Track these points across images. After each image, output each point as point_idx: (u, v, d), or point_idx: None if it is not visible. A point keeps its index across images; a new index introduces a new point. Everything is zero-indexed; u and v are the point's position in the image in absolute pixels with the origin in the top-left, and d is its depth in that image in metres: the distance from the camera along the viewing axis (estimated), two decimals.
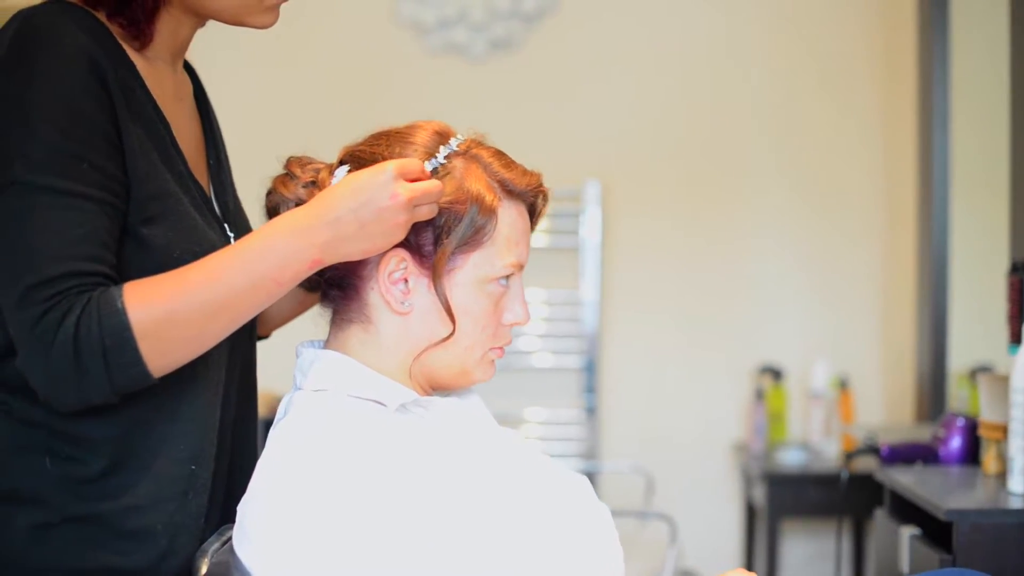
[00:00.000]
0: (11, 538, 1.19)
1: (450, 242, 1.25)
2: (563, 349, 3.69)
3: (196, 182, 1.29)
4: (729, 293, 3.75)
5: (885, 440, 2.40)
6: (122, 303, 1.12)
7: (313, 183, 1.30)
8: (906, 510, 2.26)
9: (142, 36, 1.27)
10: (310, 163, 1.33)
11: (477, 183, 1.27)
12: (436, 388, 1.35)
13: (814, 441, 3.51)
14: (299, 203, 1.29)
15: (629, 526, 3.39)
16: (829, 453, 3.44)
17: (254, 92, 3.68)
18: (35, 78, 1.15)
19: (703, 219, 3.74)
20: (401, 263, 1.26)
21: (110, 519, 1.22)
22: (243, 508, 1.25)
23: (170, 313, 1.13)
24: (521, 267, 1.31)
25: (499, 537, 1.19)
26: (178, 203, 1.24)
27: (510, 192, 1.30)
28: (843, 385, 3.48)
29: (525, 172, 1.32)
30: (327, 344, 1.34)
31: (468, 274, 1.27)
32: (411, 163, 1.21)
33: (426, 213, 1.23)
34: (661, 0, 3.78)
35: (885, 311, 3.72)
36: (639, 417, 3.76)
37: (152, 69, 1.28)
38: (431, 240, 1.26)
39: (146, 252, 1.20)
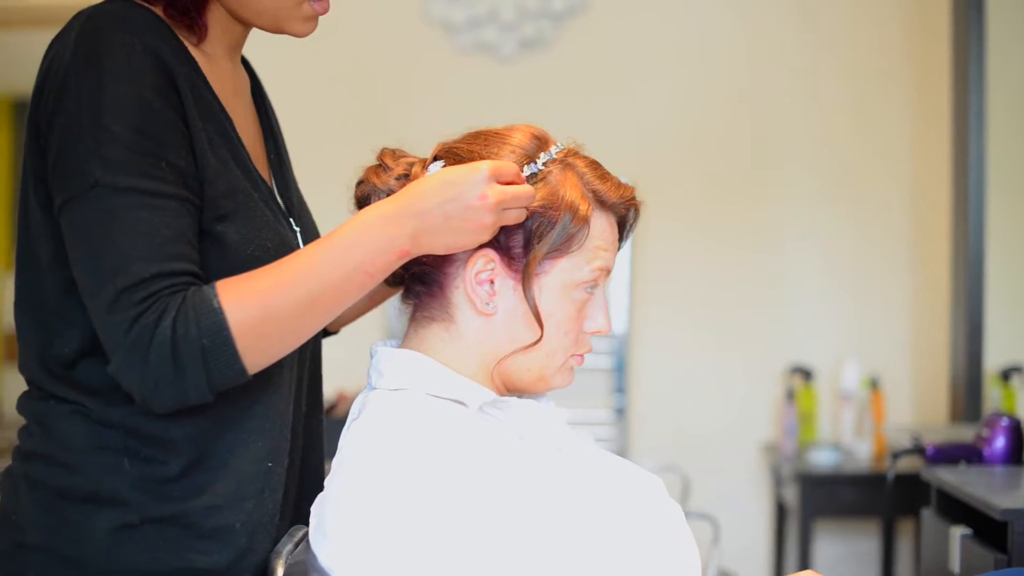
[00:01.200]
0: (92, 539, 1.19)
1: (541, 247, 1.25)
2: (593, 349, 3.67)
3: (261, 177, 1.29)
4: (758, 293, 3.74)
5: (929, 440, 2.39)
6: (218, 302, 1.11)
7: (406, 175, 1.30)
8: (952, 510, 2.25)
9: (197, 29, 1.26)
10: (403, 156, 1.33)
11: (572, 192, 1.27)
12: (512, 391, 1.34)
13: (845, 441, 3.50)
14: (390, 195, 1.28)
15: None
16: (861, 453, 3.43)
17: (283, 89, 3.66)
18: (104, 79, 1.14)
19: (733, 219, 3.74)
20: (489, 264, 1.26)
21: (190, 519, 1.21)
22: (320, 508, 1.25)
23: (266, 310, 1.12)
24: (608, 274, 1.31)
25: (578, 538, 1.19)
26: (248, 199, 1.24)
27: (602, 203, 1.30)
28: (874, 385, 3.47)
29: (619, 185, 1.32)
30: (404, 343, 1.34)
31: (555, 279, 1.27)
32: (506, 166, 1.21)
33: (514, 217, 1.22)
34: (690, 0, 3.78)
35: (915, 311, 3.71)
36: (668, 418, 3.75)
37: (212, 65, 1.28)
38: (521, 243, 1.26)
39: (221, 250, 1.20)
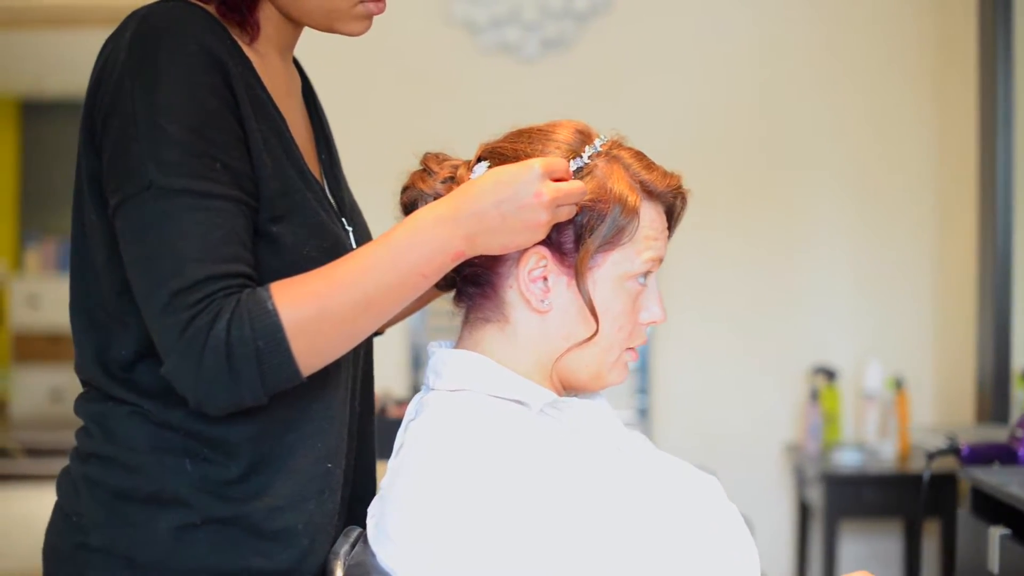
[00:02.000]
0: (155, 539, 1.19)
1: (592, 241, 1.25)
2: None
3: (314, 177, 1.28)
4: (781, 293, 3.74)
5: (965, 440, 2.39)
6: (273, 304, 1.10)
7: (451, 179, 1.29)
8: (989, 510, 2.25)
9: (249, 27, 1.25)
10: (447, 159, 1.32)
11: (620, 183, 1.26)
12: (568, 390, 1.34)
13: (869, 442, 3.50)
14: (436, 197, 1.28)
15: None
16: (885, 454, 3.43)
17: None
18: (160, 79, 1.13)
19: (755, 219, 3.73)
20: (541, 261, 1.25)
21: (252, 520, 1.21)
22: (380, 509, 1.24)
23: (321, 312, 1.12)
24: (659, 263, 1.31)
25: (642, 540, 1.19)
26: (303, 199, 1.23)
27: (650, 193, 1.30)
28: (899, 385, 3.47)
29: (665, 174, 1.32)
30: (459, 344, 1.33)
31: (608, 272, 1.27)
32: (558, 162, 1.20)
33: (566, 214, 1.22)
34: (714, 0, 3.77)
35: (939, 311, 3.71)
36: (691, 418, 3.75)
37: (265, 64, 1.27)
38: (572, 238, 1.25)
39: (276, 251, 1.19)
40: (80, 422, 1.27)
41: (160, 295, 1.10)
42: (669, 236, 1.35)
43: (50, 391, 8.78)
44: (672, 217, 1.35)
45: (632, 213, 1.26)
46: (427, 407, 1.28)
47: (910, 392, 3.62)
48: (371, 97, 3.76)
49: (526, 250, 1.25)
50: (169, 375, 1.11)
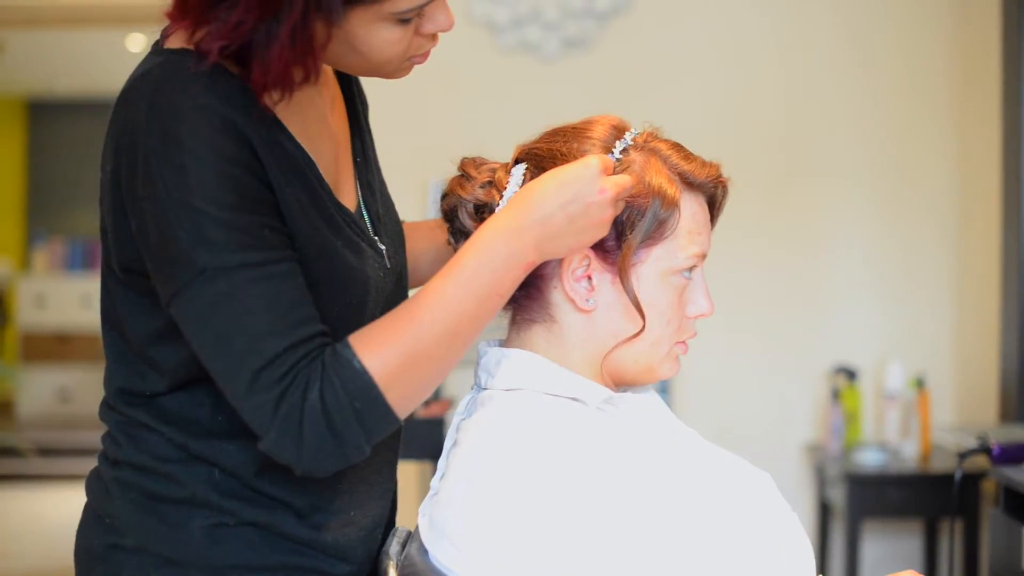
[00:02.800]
0: (191, 537, 1.19)
1: (634, 237, 1.24)
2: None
3: (346, 211, 1.25)
4: (801, 293, 3.74)
5: (995, 440, 2.39)
6: (359, 362, 1.09)
7: (490, 183, 1.28)
8: (1018, 509, 2.25)
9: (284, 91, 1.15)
10: (484, 163, 1.31)
11: (658, 176, 1.26)
12: (620, 385, 1.34)
13: (891, 441, 3.50)
14: (477, 204, 1.28)
15: None
16: (907, 453, 3.43)
17: None
18: (186, 160, 1.08)
19: (776, 219, 3.73)
20: (584, 260, 1.25)
21: (286, 521, 1.21)
22: (433, 508, 1.24)
23: (408, 357, 1.10)
24: (703, 258, 1.31)
25: (705, 538, 1.19)
26: (336, 256, 1.20)
27: (690, 184, 1.28)
28: (920, 385, 3.47)
29: (704, 163, 1.31)
30: (508, 344, 1.33)
31: (651, 267, 1.26)
32: (607, 159, 1.19)
33: (617, 208, 1.21)
34: None
35: (960, 311, 3.70)
36: (712, 417, 3.74)
37: (291, 102, 1.19)
38: (613, 235, 1.24)
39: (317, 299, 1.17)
40: (104, 426, 1.27)
41: (243, 377, 1.08)
42: (712, 227, 1.34)
43: (58, 391, 8.78)
44: (714, 207, 1.34)
45: (672, 206, 1.25)
46: (482, 406, 1.28)
47: (930, 391, 3.62)
48: (390, 96, 3.75)
49: None
50: (270, 451, 1.10)
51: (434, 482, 1.29)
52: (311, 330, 1.10)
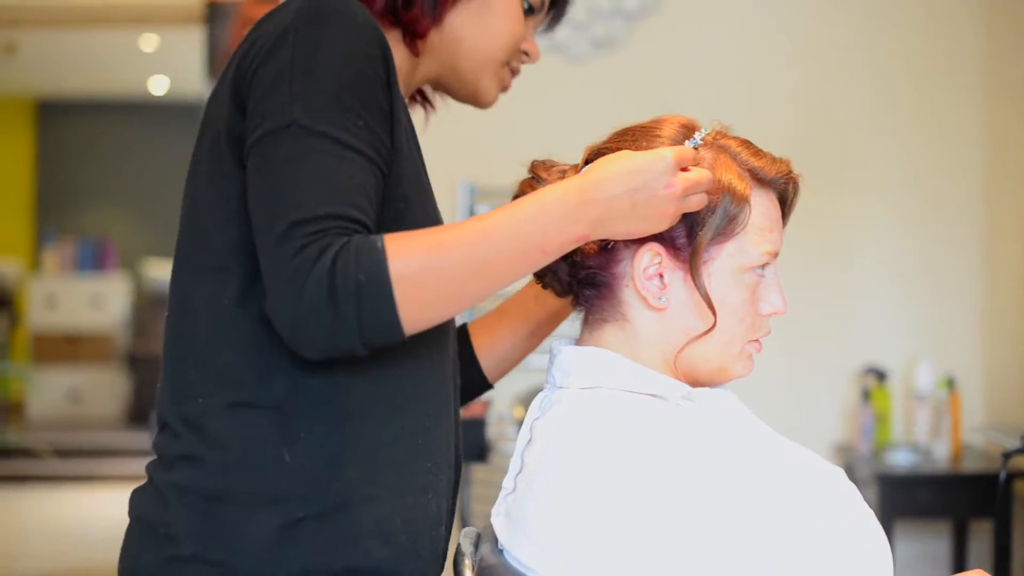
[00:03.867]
0: (252, 543, 1.15)
1: (705, 233, 1.23)
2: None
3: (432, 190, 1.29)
4: (831, 294, 3.73)
5: None
6: (382, 244, 1.07)
7: None
8: None
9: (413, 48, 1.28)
10: (554, 165, 1.31)
11: (728, 173, 1.25)
12: (694, 385, 1.33)
13: (920, 442, 3.49)
14: None
15: None
16: (938, 454, 3.43)
17: None
18: (323, 38, 1.14)
19: (805, 219, 3.71)
20: (655, 257, 1.24)
21: (350, 511, 1.18)
22: (513, 507, 1.23)
23: (430, 264, 1.08)
24: (776, 255, 1.30)
25: (789, 533, 1.18)
26: (428, 190, 1.24)
27: (760, 181, 1.28)
28: (951, 385, 3.46)
29: (775, 160, 1.31)
30: (581, 343, 1.32)
31: (723, 264, 1.26)
32: (685, 152, 1.19)
33: (696, 203, 1.20)
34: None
35: (989, 310, 3.70)
36: None
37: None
38: (684, 232, 1.24)
39: (399, 226, 1.18)
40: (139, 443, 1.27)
41: (278, 225, 1.08)
42: (784, 224, 1.34)
43: (67, 391, 8.79)
44: (785, 205, 1.34)
45: (743, 202, 1.25)
46: (558, 405, 1.27)
47: (961, 392, 3.61)
48: None
49: (640, 247, 1.24)
50: (271, 307, 1.09)
51: (507, 481, 1.29)
52: (357, 214, 1.09)
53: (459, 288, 1.11)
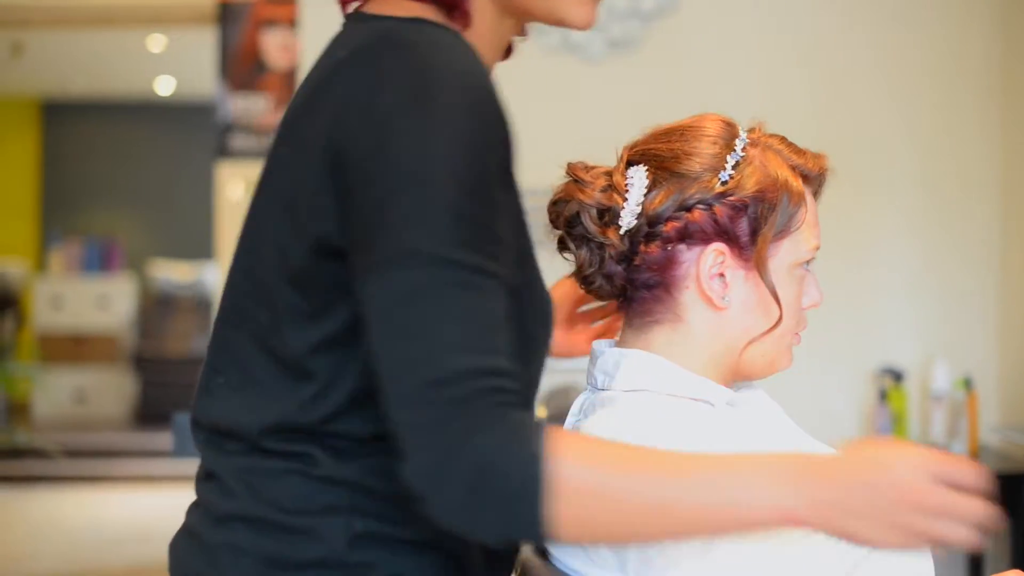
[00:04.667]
0: None
1: (769, 230, 1.24)
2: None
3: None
4: (846, 294, 3.73)
5: None
6: (543, 445, 0.94)
7: (610, 187, 1.26)
8: None
9: (458, 15, 1.09)
10: (591, 167, 1.30)
11: (781, 170, 1.27)
12: (738, 380, 1.34)
13: (937, 442, 3.49)
14: (599, 207, 1.26)
15: None
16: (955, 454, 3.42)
17: None
18: (436, 127, 0.96)
19: (820, 220, 3.71)
20: (719, 257, 1.24)
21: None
22: None
23: (603, 487, 0.95)
24: (818, 249, 1.31)
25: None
26: (538, 284, 1.11)
27: (805, 177, 1.30)
28: (968, 386, 3.46)
29: (815, 156, 1.32)
30: (622, 345, 1.32)
31: (781, 261, 1.27)
32: (956, 470, 1.00)
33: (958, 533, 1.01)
34: (782, 0, 3.76)
35: (1005, 309, 3.70)
36: None
37: None
38: (748, 231, 1.24)
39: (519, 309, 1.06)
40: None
41: (409, 384, 0.94)
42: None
43: (73, 392, 8.79)
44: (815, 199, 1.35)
45: (800, 199, 1.27)
46: (602, 407, 1.27)
47: (977, 392, 3.61)
48: None
49: (705, 248, 1.24)
50: (409, 474, 0.95)
51: None
52: (501, 365, 0.96)
53: (623, 523, 0.97)
